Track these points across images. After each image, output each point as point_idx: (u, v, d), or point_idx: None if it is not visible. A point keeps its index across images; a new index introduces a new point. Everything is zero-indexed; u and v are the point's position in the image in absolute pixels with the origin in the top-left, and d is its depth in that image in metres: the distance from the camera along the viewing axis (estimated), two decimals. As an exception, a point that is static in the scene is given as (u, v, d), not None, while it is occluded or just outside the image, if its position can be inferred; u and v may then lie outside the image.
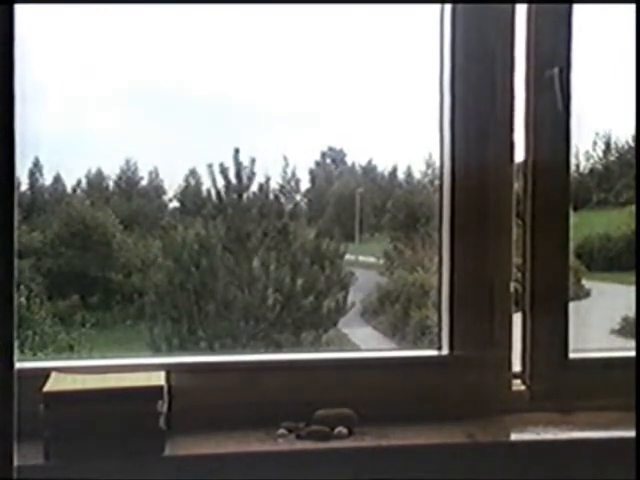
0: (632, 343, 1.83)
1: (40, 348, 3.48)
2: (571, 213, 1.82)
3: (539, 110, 1.78)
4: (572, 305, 1.85)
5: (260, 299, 3.58)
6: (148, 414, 1.54)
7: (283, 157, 3.75)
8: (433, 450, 1.63)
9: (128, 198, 4.04)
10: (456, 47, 1.77)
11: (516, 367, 1.82)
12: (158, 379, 1.60)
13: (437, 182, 1.86)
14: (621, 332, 3.52)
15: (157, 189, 4.06)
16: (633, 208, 2.59)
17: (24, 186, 3.70)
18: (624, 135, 3.80)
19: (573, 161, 1.87)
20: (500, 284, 1.78)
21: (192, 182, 3.87)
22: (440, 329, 1.83)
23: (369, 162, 4.11)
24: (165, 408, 1.57)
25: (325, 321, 3.65)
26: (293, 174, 3.88)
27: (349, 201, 4.00)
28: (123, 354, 1.94)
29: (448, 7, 1.78)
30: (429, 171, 3.75)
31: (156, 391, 1.56)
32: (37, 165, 3.77)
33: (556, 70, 1.76)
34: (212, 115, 3.26)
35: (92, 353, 3.63)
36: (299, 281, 3.63)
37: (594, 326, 3.47)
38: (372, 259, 4.16)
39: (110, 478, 1.49)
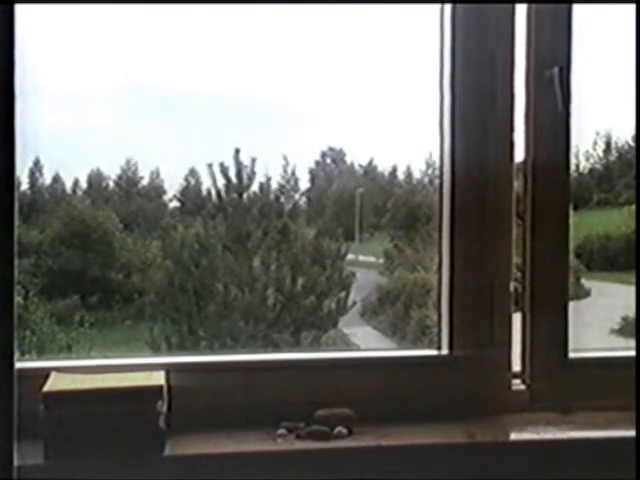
0: (632, 343, 1.83)
1: (39, 349, 3.48)
2: (571, 213, 1.82)
3: (539, 110, 1.78)
4: (572, 305, 1.85)
5: (260, 299, 3.58)
6: (148, 414, 1.54)
7: (283, 157, 3.75)
8: (433, 450, 1.63)
9: (128, 198, 4.04)
10: (456, 47, 1.77)
11: (516, 367, 1.82)
12: (158, 379, 1.60)
13: (437, 182, 1.86)
14: (621, 332, 3.52)
15: (157, 189, 4.06)
16: (633, 208, 2.59)
17: (24, 186, 3.70)
18: (624, 135, 3.80)
19: (573, 161, 1.87)
20: (500, 284, 1.78)
21: (192, 182, 3.87)
22: (440, 329, 1.84)
23: (369, 162, 4.11)
24: (165, 408, 1.57)
25: (325, 321, 3.65)
26: (293, 174, 3.88)
27: (349, 201, 4.00)
28: (123, 354, 1.94)
29: (448, 7, 1.78)
30: (429, 171, 3.75)
31: (156, 391, 1.56)
32: (37, 165, 3.77)
33: (556, 70, 1.76)
34: (212, 115, 3.26)
35: (92, 353, 3.63)
36: (299, 281, 3.63)
37: (594, 326, 3.47)
38: (372, 259, 4.16)
39: (110, 478, 1.49)
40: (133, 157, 3.93)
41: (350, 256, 3.84)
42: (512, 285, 1.80)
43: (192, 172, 3.84)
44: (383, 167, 4.10)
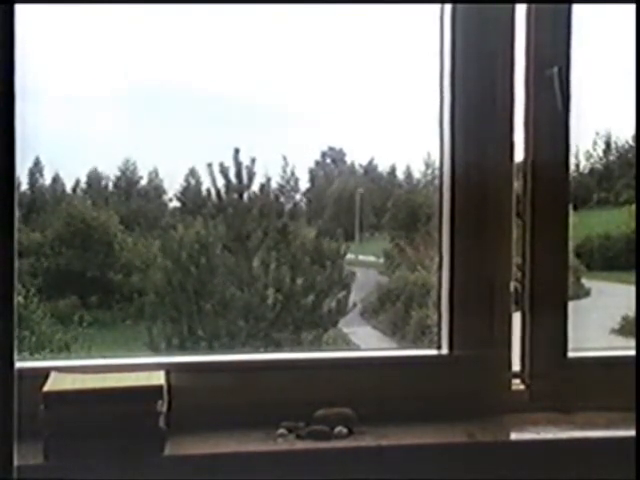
0: (632, 343, 1.83)
1: (38, 348, 3.48)
2: (571, 213, 1.82)
3: (539, 110, 1.78)
4: (571, 304, 1.85)
5: (260, 298, 3.58)
6: (148, 414, 1.54)
7: (283, 157, 3.75)
8: (433, 450, 1.63)
9: (128, 198, 4.04)
10: (456, 47, 1.77)
11: (516, 367, 1.82)
12: (158, 379, 1.60)
13: (437, 182, 1.86)
14: (621, 331, 3.52)
15: (157, 189, 4.06)
16: (633, 208, 2.59)
17: (24, 186, 3.70)
18: (624, 135, 3.80)
19: (573, 161, 1.87)
20: (500, 284, 1.78)
21: (192, 182, 3.87)
22: (440, 328, 1.84)
23: (369, 162, 4.11)
24: (165, 408, 1.57)
25: (325, 321, 3.65)
26: (293, 174, 3.88)
27: (349, 201, 4.01)
28: (123, 354, 1.94)
29: (448, 7, 1.78)
30: (429, 171, 3.75)
31: (156, 391, 1.56)
32: (37, 165, 3.77)
33: (556, 70, 1.76)
34: (212, 115, 3.27)
35: (91, 353, 3.63)
36: (299, 281, 3.63)
37: (594, 325, 3.47)
38: (372, 258, 4.16)
39: (110, 478, 1.49)
40: (133, 157, 3.93)
41: (350, 256, 3.84)
42: (512, 285, 1.80)
43: (192, 172, 3.84)
44: (383, 167, 4.10)
